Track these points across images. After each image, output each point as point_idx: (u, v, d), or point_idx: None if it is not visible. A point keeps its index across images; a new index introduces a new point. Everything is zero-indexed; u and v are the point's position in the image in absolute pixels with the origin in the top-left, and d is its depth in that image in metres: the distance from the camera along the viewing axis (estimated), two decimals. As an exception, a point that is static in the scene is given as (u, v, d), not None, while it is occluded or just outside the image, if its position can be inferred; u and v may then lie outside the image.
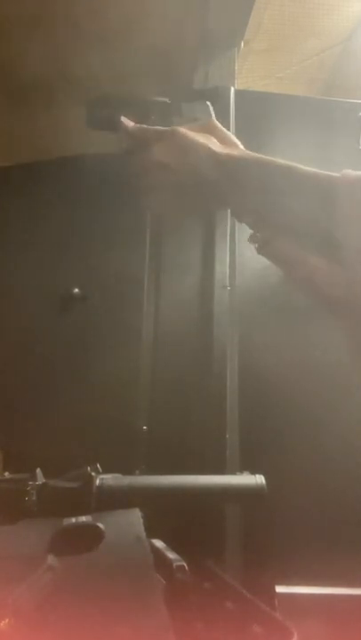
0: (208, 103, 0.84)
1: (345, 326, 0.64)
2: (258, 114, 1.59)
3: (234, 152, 0.71)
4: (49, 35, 1.96)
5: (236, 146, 0.76)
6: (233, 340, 1.42)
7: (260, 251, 0.70)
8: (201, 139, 0.72)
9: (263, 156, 0.68)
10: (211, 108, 0.84)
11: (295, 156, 1.79)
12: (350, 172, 0.63)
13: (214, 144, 0.71)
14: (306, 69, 2.27)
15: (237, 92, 1.61)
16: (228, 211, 1.49)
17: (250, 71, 2.16)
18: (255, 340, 1.44)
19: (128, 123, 0.77)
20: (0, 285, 1.64)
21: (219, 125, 0.77)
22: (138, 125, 0.77)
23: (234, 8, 1.79)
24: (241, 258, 1.50)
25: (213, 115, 0.83)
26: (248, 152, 0.71)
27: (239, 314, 1.45)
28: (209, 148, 0.70)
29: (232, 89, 1.61)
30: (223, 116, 1.55)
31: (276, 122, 1.60)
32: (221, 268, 1.47)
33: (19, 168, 1.72)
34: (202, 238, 1.52)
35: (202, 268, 1.50)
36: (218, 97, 1.58)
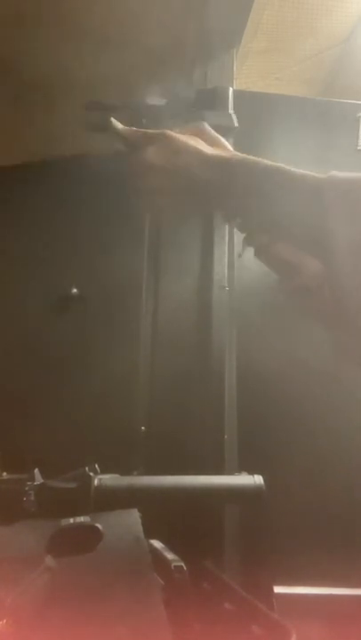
0: (231, 112, 0.88)
1: (332, 333, 0.64)
2: (257, 114, 1.59)
3: (223, 154, 0.71)
4: (49, 35, 1.95)
5: (225, 148, 0.75)
6: (231, 341, 1.42)
7: (256, 254, 0.70)
8: (191, 141, 0.72)
9: (252, 158, 0.68)
10: (234, 118, 0.87)
11: (294, 156, 1.79)
12: (337, 174, 0.63)
13: (204, 147, 0.71)
14: (305, 70, 2.27)
15: (236, 93, 1.60)
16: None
17: (249, 72, 2.16)
18: (254, 341, 1.44)
19: (118, 125, 0.77)
20: (-1, 285, 1.64)
21: (209, 129, 0.77)
22: (128, 128, 0.77)
23: (232, 8, 1.79)
24: (240, 258, 1.50)
25: (236, 123, 0.87)
26: (237, 154, 0.71)
27: (238, 314, 1.45)
28: (199, 151, 0.70)
29: (231, 89, 1.61)
30: (222, 117, 1.56)
31: (274, 122, 1.60)
32: (220, 268, 1.47)
33: (18, 168, 1.72)
34: (200, 239, 1.52)
35: (200, 269, 1.50)
36: (216, 97, 1.58)
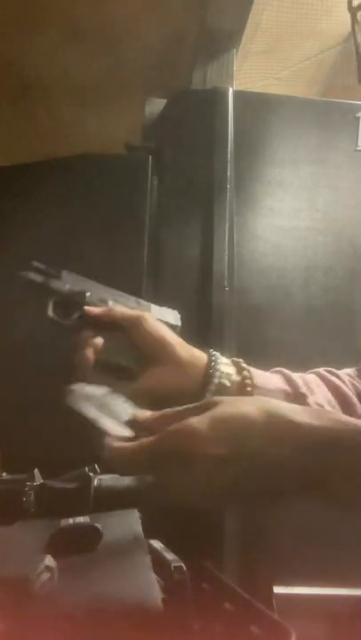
0: (176, 312, 0.85)
1: None
2: (256, 115, 1.59)
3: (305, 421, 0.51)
4: (49, 35, 1.96)
5: (168, 339, 0.75)
6: (231, 341, 1.42)
7: None
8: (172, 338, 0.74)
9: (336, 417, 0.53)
10: (179, 316, 0.84)
11: (294, 156, 1.79)
12: None
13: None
14: (304, 70, 2.27)
15: (236, 93, 1.61)
16: (227, 210, 1.50)
17: (248, 72, 2.17)
18: (253, 341, 1.44)
19: (93, 310, 0.77)
20: (-2, 285, 1.64)
21: (153, 317, 0.77)
22: (105, 309, 0.77)
23: (233, 8, 1.79)
24: (240, 258, 1.50)
25: (180, 323, 0.83)
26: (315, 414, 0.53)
27: (238, 315, 1.45)
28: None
29: (230, 90, 1.61)
30: (222, 117, 1.56)
31: (274, 123, 1.60)
32: (220, 268, 1.47)
33: (18, 168, 1.72)
34: (200, 238, 1.52)
35: (200, 269, 1.50)
36: (216, 98, 1.58)
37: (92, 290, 0.79)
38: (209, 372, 0.75)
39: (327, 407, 0.77)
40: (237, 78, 1.92)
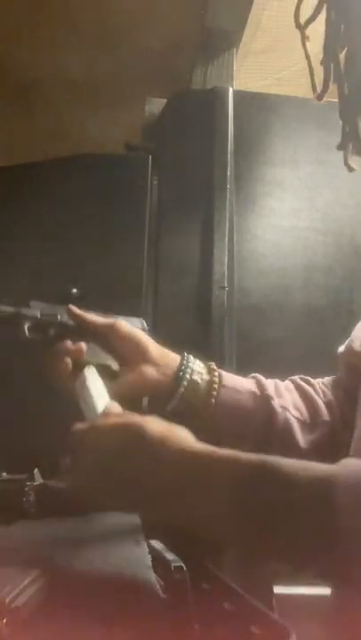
0: (141, 319, 0.91)
1: None
2: (256, 114, 1.59)
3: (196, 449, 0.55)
4: (49, 35, 1.96)
5: (141, 339, 0.82)
6: (231, 342, 1.42)
7: None
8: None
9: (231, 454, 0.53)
10: (144, 323, 0.90)
11: (294, 156, 1.79)
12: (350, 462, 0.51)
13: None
14: (305, 70, 2.27)
15: (236, 93, 1.61)
16: (227, 210, 1.50)
17: (248, 72, 2.16)
18: (253, 341, 1.44)
19: (75, 310, 0.85)
20: (-2, 285, 1.64)
21: (124, 323, 0.83)
22: (82, 314, 0.84)
23: (232, 8, 1.79)
24: (239, 258, 1.50)
25: (147, 327, 0.89)
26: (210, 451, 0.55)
27: (238, 315, 1.45)
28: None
29: (230, 89, 1.61)
30: (222, 117, 1.56)
31: (274, 123, 1.60)
32: (220, 268, 1.47)
33: (18, 168, 1.72)
34: (200, 238, 1.52)
35: (200, 269, 1.50)
36: (216, 97, 1.58)
37: (62, 313, 0.85)
38: (182, 369, 0.81)
39: (292, 410, 0.83)
40: (237, 78, 1.91)
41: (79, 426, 0.63)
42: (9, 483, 0.72)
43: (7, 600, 0.44)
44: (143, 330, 0.88)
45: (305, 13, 0.77)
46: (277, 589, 1.20)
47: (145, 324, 0.91)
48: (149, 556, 0.61)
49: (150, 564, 0.58)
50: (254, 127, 1.58)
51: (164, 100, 1.66)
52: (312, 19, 0.76)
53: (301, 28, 0.78)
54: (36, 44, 1.96)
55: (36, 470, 0.73)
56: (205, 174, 1.53)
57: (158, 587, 0.54)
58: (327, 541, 0.46)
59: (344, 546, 0.45)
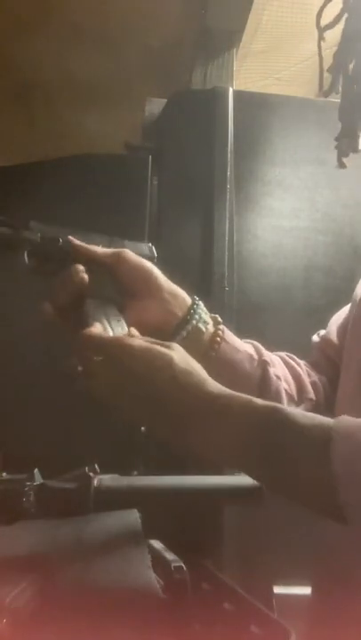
0: (150, 245, 0.85)
1: None
2: (256, 115, 1.59)
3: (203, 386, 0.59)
4: (49, 35, 1.96)
5: (151, 271, 0.77)
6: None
7: None
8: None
9: (241, 398, 0.58)
10: (154, 249, 0.85)
11: (294, 156, 1.78)
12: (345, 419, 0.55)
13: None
14: (304, 70, 2.27)
15: (236, 93, 1.61)
16: (227, 210, 1.50)
17: (248, 72, 2.16)
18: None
19: (75, 242, 0.78)
20: (-2, 285, 1.64)
21: (132, 254, 0.78)
22: (84, 245, 0.77)
23: (232, 8, 1.79)
24: (240, 258, 1.50)
25: (155, 254, 0.84)
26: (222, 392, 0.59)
27: (238, 315, 1.45)
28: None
29: (230, 89, 1.61)
30: (222, 117, 1.56)
31: (274, 123, 1.60)
32: (220, 268, 1.47)
33: (18, 168, 1.72)
34: (200, 238, 1.52)
35: (200, 269, 1.50)
36: (216, 97, 1.58)
37: (64, 235, 0.78)
38: (190, 312, 0.79)
39: (283, 382, 0.84)
40: (237, 78, 1.91)
41: (99, 332, 0.64)
42: (9, 483, 0.72)
43: (7, 600, 0.44)
44: (152, 258, 0.83)
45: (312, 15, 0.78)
46: (277, 589, 1.20)
47: (154, 250, 0.85)
48: (149, 555, 0.61)
49: (150, 563, 0.58)
50: (254, 127, 1.58)
51: (164, 100, 1.66)
52: (330, 26, 0.77)
53: (320, 29, 0.79)
54: (37, 44, 1.96)
55: (36, 470, 0.73)
56: (205, 174, 1.53)
57: (158, 587, 0.54)
58: (325, 483, 0.51)
59: (341, 489, 0.51)
